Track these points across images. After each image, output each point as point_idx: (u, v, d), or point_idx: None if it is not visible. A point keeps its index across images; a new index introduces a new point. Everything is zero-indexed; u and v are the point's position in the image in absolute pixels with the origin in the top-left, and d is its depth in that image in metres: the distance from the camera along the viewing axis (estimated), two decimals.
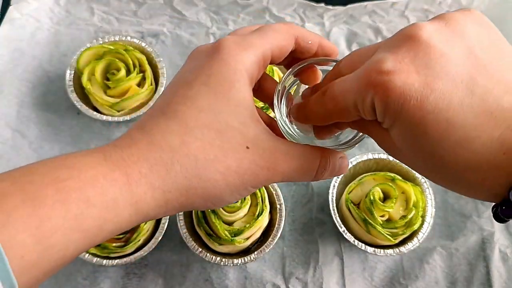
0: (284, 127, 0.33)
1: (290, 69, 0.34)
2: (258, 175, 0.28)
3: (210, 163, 0.27)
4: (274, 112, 0.33)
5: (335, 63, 0.34)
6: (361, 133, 0.33)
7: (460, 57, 0.24)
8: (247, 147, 0.28)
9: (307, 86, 0.35)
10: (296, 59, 0.34)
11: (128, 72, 0.60)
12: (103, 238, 0.26)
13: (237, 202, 0.50)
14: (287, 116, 0.34)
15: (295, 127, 0.34)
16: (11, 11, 0.68)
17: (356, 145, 0.34)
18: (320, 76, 0.36)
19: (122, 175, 0.25)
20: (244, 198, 0.50)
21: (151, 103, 0.60)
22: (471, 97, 0.23)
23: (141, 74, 0.60)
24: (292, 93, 0.36)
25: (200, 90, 0.28)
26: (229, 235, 0.49)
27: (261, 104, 0.56)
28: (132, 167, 0.26)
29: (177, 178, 0.26)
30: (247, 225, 0.50)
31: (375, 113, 0.26)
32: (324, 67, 0.36)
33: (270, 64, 0.32)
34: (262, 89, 0.35)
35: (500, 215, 0.24)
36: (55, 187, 0.24)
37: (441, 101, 0.23)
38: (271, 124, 0.33)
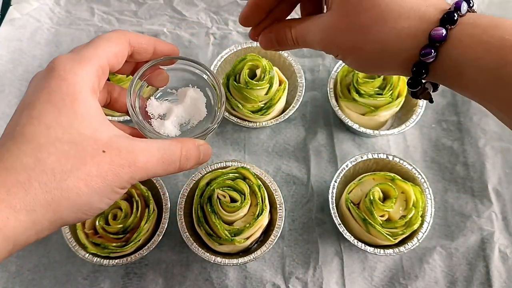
0: (142, 128, 0.35)
1: (135, 74, 0.35)
2: (120, 174, 0.29)
3: (69, 173, 0.27)
4: (130, 117, 0.35)
5: (179, 60, 0.37)
6: (212, 125, 0.37)
7: None
8: (103, 151, 0.29)
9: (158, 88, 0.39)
10: (141, 64, 0.36)
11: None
12: None
13: (237, 201, 0.51)
14: (143, 118, 0.36)
15: (151, 126, 0.36)
16: (12, 11, 0.68)
17: (209, 134, 0.37)
18: (167, 76, 0.38)
19: None
20: (244, 198, 0.51)
21: None
22: None
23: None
24: (145, 96, 0.38)
25: (44, 108, 0.28)
26: (229, 235, 0.49)
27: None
28: None
29: (38, 195, 0.26)
30: (247, 225, 0.50)
31: None
32: (170, 67, 0.38)
33: (112, 72, 0.34)
34: (116, 101, 0.37)
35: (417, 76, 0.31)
36: None
37: None
38: (134, 133, 0.36)
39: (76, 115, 0.29)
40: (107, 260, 0.50)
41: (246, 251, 0.53)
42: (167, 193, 0.54)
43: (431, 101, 0.34)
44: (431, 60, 0.29)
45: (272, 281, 0.54)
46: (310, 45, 0.36)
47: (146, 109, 0.37)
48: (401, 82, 0.58)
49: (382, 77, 0.58)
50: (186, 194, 0.53)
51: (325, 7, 0.37)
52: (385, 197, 0.53)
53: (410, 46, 0.30)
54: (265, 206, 0.51)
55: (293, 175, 0.60)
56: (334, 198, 0.54)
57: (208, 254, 0.51)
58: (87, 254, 0.50)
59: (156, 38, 0.36)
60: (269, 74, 0.58)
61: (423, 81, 0.32)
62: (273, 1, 0.37)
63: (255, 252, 0.51)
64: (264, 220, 0.52)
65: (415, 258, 0.56)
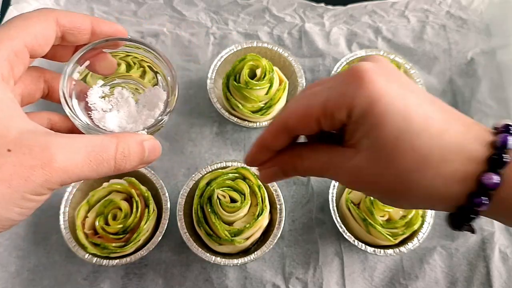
0: (74, 120, 0.30)
1: (72, 57, 0.31)
2: (30, 177, 0.24)
3: None
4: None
5: (128, 42, 0.32)
6: (161, 117, 0.32)
7: (408, 81, 0.28)
8: (9, 150, 0.24)
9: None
10: (81, 47, 0.31)
11: (129, 67, 0.59)
12: None
13: (237, 202, 0.50)
14: (82, 109, 0.32)
15: (87, 120, 0.31)
16: (11, 11, 0.68)
17: (158, 130, 0.32)
18: (113, 62, 0.33)
19: None
20: (244, 198, 0.51)
21: None
22: (433, 104, 0.27)
23: (141, 69, 0.59)
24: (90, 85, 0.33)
25: None
26: (229, 235, 0.49)
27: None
28: None
29: None
30: (247, 225, 0.50)
31: (345, 118, 0.27)
32: (116, 51, 0.33)
33: (35, 57, 0.30)
34: (54, 90, 0.33)
35: (469, 212, 0.27)
36: None
37: (417, 99, 0.26)
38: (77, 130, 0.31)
39: None
40: (107, 261, 0.50)
41: (246, 252, 0.53)
42: (167, 193, 0.54)
43: (473, 232, 0.30)
44: (484, 208, 0.26)
45: (272, 281, 0.54)
46: (334, 178, 0.31)
47: (87, 99, 0.32)
48: None
49: None
50: (186, 194, 0.53)
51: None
52: None
53: (459, 191, 0.26)
54: (265, 206, 0.51)
55: None
56: (334, 198, 0.54)
57: (208, 254, 0.51)
58: (87, 255, 0.50)
59: (95, 17, 0.31)
60: (269, 74, 0.57)
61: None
62: (287, 141, 0.30)
63: (255, 253, 0.51)
64: (264, 220, 0.51)
65: (416, 258, 0.56)
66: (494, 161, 0.25)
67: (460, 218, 0.28)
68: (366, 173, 0.27)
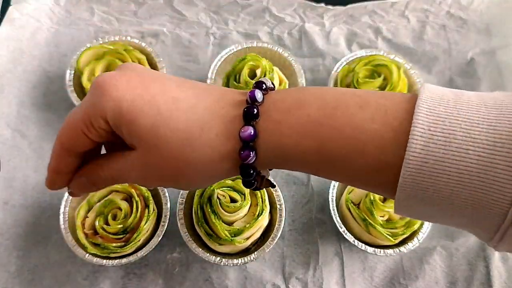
0: None
1: None
2: None
3: None
4: None
5: None
6: None
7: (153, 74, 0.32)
8: None
9: None
10: None
11: None
12: None
13: (237, 202, 0.51)
14: None
15: None
16: (11, 11, 0.68)
17: None
18: None
19: None
20: (244, 198, 0.50)
21: None
22: (181, 85, 0.30)
23: None
24: None
25: None
26: (229, 235, 0.49)
27: None
28: None
29: None
30: (247, 225, 0.50)
31: (105, 124, 0.29)
32: None
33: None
34: None
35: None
36: None
37: (163, 86, 0.30)
38: None
39: None
40: (107, 260, 0.50)
41: (246, 252, 0.53)
42: (167, 193, 0.54)
43: (273, 186, 0.34)
44: (253, 159, 0.28)
45: (272, 281, 0.54)
46: (129, 181, 0.33)
47: None
48: (401, 82, 0.58)
49: (382, 77, 0.58)
50: (186, 194, 0.53)
51: None
52: (386, 197, 0.53)
53: (230, 151, 0.29)
54: (265, 206, 0.51)
55: (293, 175, 0.60)
56: (334, 198, 0.54)
57: (208, 254, 0.51)
58: (87, 255, 0.50)
59: None
60: (269, 74, 0.58)
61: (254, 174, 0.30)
62: (76, 160, 0.32)
63: (255, 253, 0.51)
64: (264, 220, 0.51)
65: (416, 258, 0.56)
66: (246, 115, 0.28)
67: (244, 174, 0.29)
68: (149, 168, 0.30)
